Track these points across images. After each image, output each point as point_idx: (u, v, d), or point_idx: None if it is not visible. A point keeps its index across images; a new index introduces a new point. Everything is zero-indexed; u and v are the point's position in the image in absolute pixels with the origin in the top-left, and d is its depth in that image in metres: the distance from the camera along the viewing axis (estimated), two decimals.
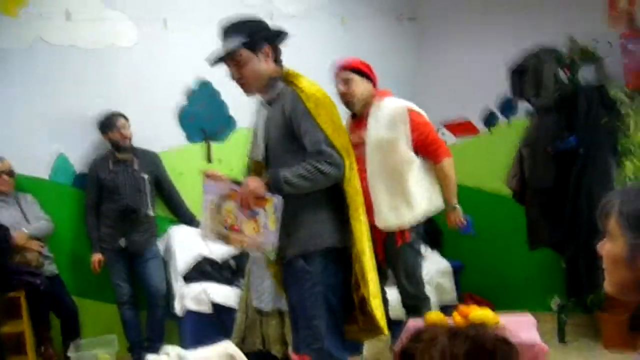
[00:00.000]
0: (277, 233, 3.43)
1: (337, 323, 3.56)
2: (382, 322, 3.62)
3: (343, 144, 3.48)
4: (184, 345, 4.14)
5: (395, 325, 4.55)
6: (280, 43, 3.66)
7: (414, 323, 3.77)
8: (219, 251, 5.84)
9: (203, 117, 6.35)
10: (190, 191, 5.95)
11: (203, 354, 2.95)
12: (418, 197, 4.67)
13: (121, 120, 5.79)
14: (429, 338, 1.64)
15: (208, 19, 5.61)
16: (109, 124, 5.79)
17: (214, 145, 6.38)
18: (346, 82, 4.71)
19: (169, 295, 5.86)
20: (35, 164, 5.84)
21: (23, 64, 5.81)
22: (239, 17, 3.62)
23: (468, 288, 6.47)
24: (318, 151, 3.39)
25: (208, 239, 3.70)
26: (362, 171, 4.30)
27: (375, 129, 4.65)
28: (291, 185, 3.39)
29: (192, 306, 5.44)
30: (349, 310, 3.59)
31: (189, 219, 6.12)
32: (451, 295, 6.03)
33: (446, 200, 4.85)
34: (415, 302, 4.72)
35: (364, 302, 3.55)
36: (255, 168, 3.79)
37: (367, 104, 4.73)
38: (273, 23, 3.82)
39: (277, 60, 3.63)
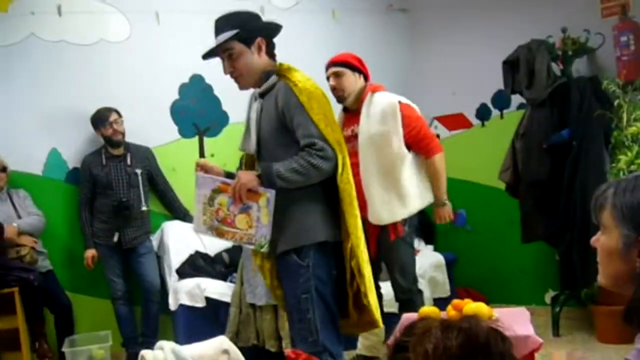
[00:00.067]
0: (270, 227, 3.43)
1: (332, 317, 3.55)
2: (377, 315, 3.62)
3: (336, 138, 3.47)
4: (178, 340, 4.14)
5: (389, 319, 4.55)
6: (274, 36, 3.65)
7: (408, 317, 3.77)
8: (213, 246, 5.85)
9: (195, 112, 6.33)
10: (184, 186, 5.94)
11: (198, 349, 2.93)
12: (411, 192, 4.67)
13: (114, 116, 5.78)
14: (422, 331, 1.64)
15: (200, 11, 5.61)
16: (101, 119, 5.77)
17: (208, 140, 6.37)
18: (337, 76, 4.70)
19: (163, 291, 5.86)
20: (28, 159, 5.83)
21: (15, 59, 5.78)
22: (232, 11, 3.61)
23: (462, 282, 6.47)
24: (311, 145, 3.39)
25: (200, 233, 3.69)
26: (355, 165, 4.29)
27: (367, 123, 4.64)
28: (284, 180, 3.38)
29: (186, 301, 5.44)
30: (343, 304, 3.59)
31: (182, 214, 6.12)
32: (445, 288, 6.04)
33: (435, 196, 4.83)
34: (408, 296, 4.71)
35: (358, 297, 3.55)
36: (247, 161, 3.79)
37: (360, 98, 4.72)
38: (264, 17, 3.81)
39: (270, 54, 3.61)
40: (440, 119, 6.88)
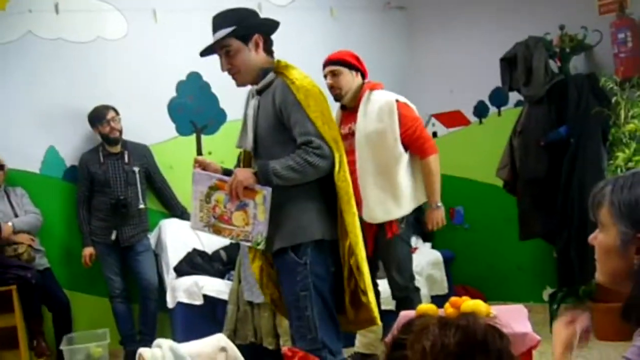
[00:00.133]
0: (266, 224, 3.43)
1: (331, 314, 3.55)
2: (375, 312, 3.62)
3: (333, 136, 3.47)
4: (176, 338, 4.14)
5: (387, 317, 4.55)
6: (272, 33, 3.64)
7: (406, 314, 3.76)
8: (210, 244, 5.85)
9: (193, 109, 6.33)
10: (181, 184, 5.93)
11: (195, 346, 2.94)
12: (406, 193, 4.66)
13: (111, 113, 5.77)
14: (419, 329, 1.63)
15: (197, 9, 5.60)
16: (99, 116, 5.76)
17: (205, 138, 6.36)
18: (334, 74, 4.69)
19: (160, 288, 5.86)
20: (25, 157, 5.83)
21: (12, 57, 5.78)
22: (229, 8, 3.61)
23: (460, 279, 6.47)
24: (307, 143, 3.38)
25: (197, 229, 3.69)
26: (352, 163, 4.29)
27: (364, 121, 4.64)
28: (280, 177, 3.38)
29: (184, 299, 5.44)
30: (340, 301, 3.59)
31: (180, 212, 6.12)
32: (442, 286, 6.04)
33: (429, 199, 4.80)
34: (405, 294, 4.71)
35: (356, 294, 3.55)
36: (245, 158, 3.79)
37: (357, 96, 4.71)
38: (262, 14, 3.81)
39: (268, 51, 3.61)
40: (438, 117, 6.87)
